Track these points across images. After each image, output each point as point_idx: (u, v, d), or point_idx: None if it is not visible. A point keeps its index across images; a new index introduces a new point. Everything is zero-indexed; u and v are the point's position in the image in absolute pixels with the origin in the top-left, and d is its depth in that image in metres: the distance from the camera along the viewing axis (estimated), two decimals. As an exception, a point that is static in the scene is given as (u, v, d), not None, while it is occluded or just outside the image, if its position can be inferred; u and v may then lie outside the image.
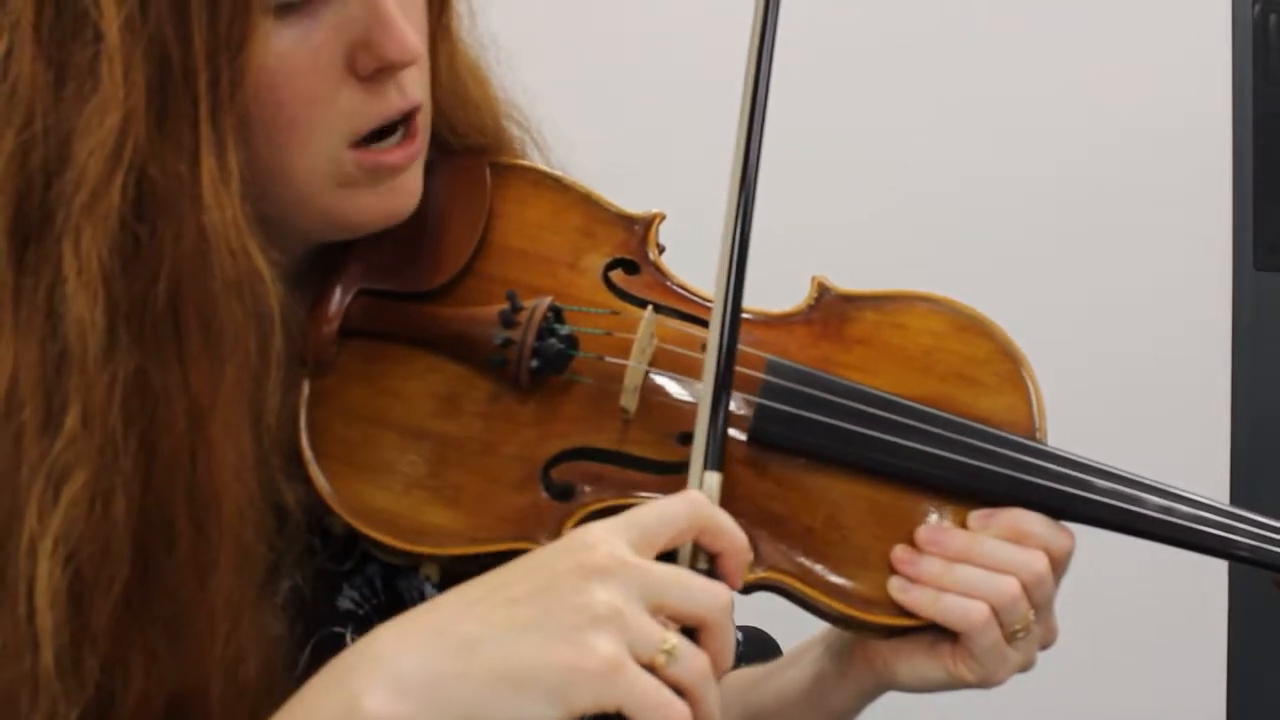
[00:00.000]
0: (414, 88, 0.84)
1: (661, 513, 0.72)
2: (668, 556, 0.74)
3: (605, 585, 0.68)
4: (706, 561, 0.74)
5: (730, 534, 0.74)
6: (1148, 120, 2.09)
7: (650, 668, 0.68)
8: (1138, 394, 2.11)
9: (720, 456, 0.78)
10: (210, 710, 0.77)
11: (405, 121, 0.85)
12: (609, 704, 0.67)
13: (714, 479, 0.77)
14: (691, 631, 0.71)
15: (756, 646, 1.16)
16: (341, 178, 0.83)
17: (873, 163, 2.13)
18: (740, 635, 1.13)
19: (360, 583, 0.90)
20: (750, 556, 0.76)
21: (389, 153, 0.84)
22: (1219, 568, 2.06)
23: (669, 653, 0.68)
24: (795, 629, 1.02)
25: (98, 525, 0.73)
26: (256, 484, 0.78)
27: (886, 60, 2.12)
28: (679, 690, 0.69)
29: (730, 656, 0.72)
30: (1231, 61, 2.06)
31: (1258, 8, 2.05)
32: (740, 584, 0.75)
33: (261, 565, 0.79)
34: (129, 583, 0.74)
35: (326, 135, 0.81)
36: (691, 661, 0.69)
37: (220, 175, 0.75)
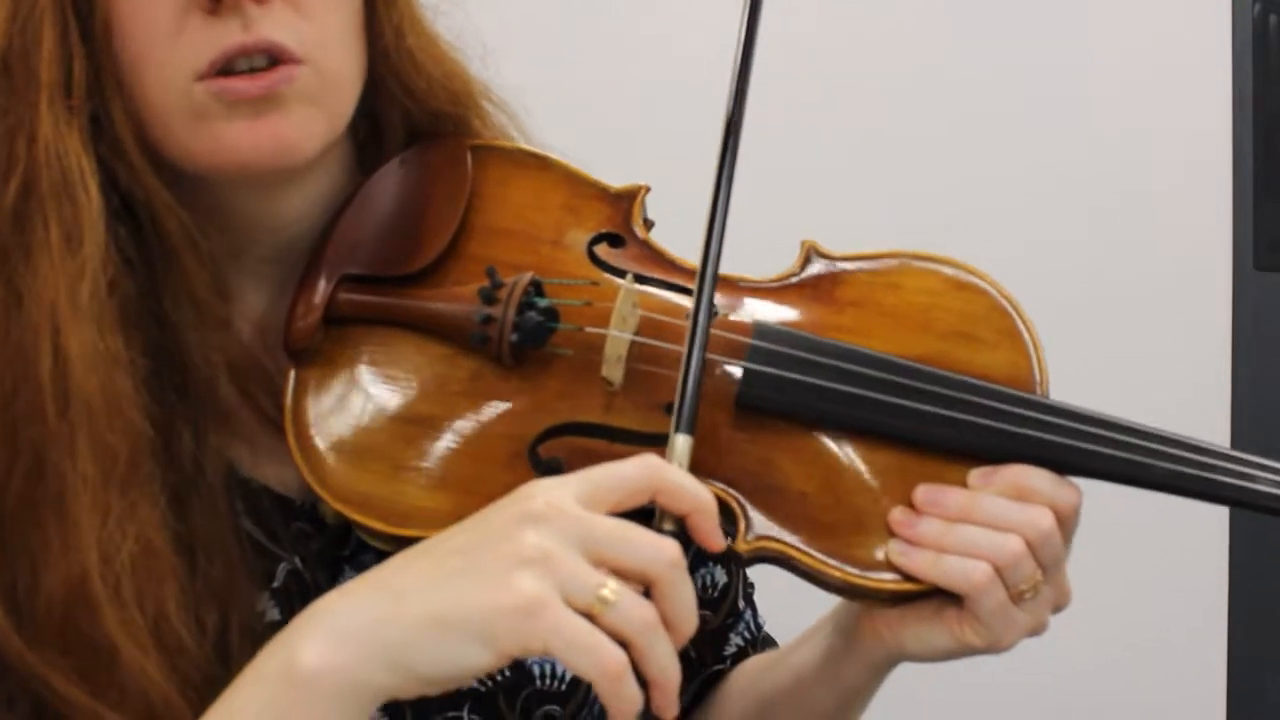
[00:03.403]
0: (267, 26, 0.82)
1: (614, 470, 0.72)
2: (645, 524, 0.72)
3: (538, 530, 0.68)
4: (674, 524, 0.73)
5: (691, 495, 0.73)
6: (1148, 120, 2.09)
7: (588, 616, 0.67)
8: (1138, 394, 2.10)
9: (692, 420, 0.77)
10: (97, 604, 0.78)
11: (269, 66, 0.83)
12: (534, 644, 0.66)
13: (684, 442, 0.76)
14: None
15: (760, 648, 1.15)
16: (194, 109, 0.83)
17: (870, 162, 2.12)
18: (763, 621, 1.12)
19: (360, 567, 0.90)
20: (715, 512, 0.74)
21: (237, 79, 0.82)
22: (1220, 567, 2.06)
23: (605, 600, 0.67)
24: (795, 629, 1.01)
25: None
26: (112, 381, 0.80)
27: (884, 58, 2.12)
28: (622, 641, 0.67)
29: (689, 617, 0.70)
30: (1231, 61, 2.07)
31: (1258, 8, 2.06)
32: (720, 544, 0.74)
33: (125, 466, 0.80)
34: (16, 465, 0.78)
35: (173, 67, 0.82)
36: (633, 610, 0.68)
37: (61, 84, 0.80)
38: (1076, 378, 1.83)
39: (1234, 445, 2.08)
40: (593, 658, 0.66)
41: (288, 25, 0.83)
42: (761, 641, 1.11)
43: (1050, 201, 2.12)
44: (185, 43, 0.81)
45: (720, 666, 1.08)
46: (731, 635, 1.09)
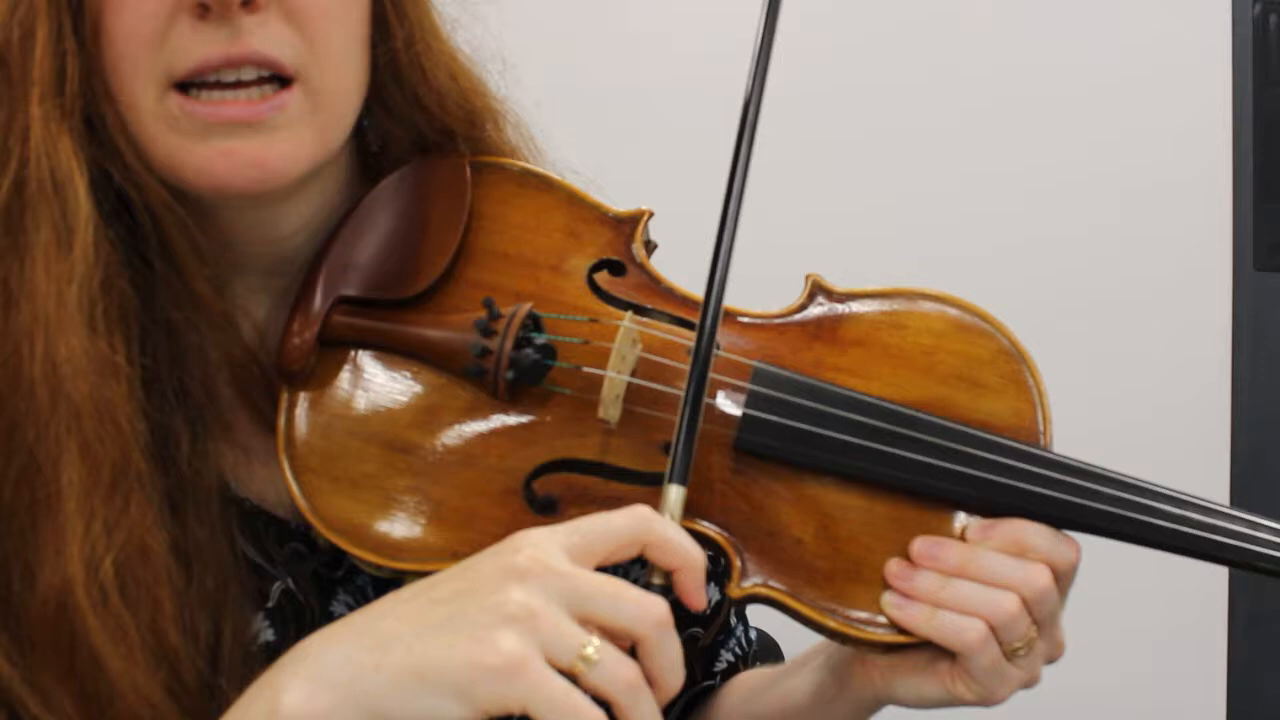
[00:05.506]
0: (257, 38, 0.79)
1: (604, 522, 0.71)
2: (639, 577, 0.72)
3: (524, 586, 0.68)
4: (662, 578, 0.72)
5: (680, 550, 0.72)
6: (1148, 120, 2.08)
7: (571, 675, 0.66)
8: (1138, 394, 2.10)
9: (686, 470, 0.76)
10: (81, 613, 0.77)
11: (257, 80, 0.81)
12: (512, 703, 0.66)
13: (677, 492, 0.75)
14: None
15: (761, 649, 1.16)
16: (170, 120, 0.80)
17: (870, 161, 2.12)
18: (754, 635, 1.12)
19: (354, 589, 0.90)
20: (703, 570, 0.73)
21: (214, 104, 0.80)
22: (1220, 567, 2.06)
23: (587, 659, 0.66)
24: (798, 633, 1.01)
25: None
26: (102, 385, 0.79)
27: (887, 60, 2.12)
28: (604, 701, 0.67)
29: (674, 676, 0.69)
30: (1231, 61, 2.06)
31: (1258, 8, 2.05)
32: (702, 603, 0.73)
33: (112, 471, 0.79)
34: (10, 468, 0.77)
35: (150, 71, 0.80)
36: (616, 669, 0.67)
37: (54, 83, 0.79)
38: (1077, 378, 1.84)
39: (1233, 445, 2.09)
40: (571, 718, 0.65)
41: (281, 38, 0.80)
42: (754, 656, 1.10)
43: (1050, 201, 2.11)
44: (169, 49, 0.79)
45: (711, 683, 1.08)
46: (723, 651, 1.09)
